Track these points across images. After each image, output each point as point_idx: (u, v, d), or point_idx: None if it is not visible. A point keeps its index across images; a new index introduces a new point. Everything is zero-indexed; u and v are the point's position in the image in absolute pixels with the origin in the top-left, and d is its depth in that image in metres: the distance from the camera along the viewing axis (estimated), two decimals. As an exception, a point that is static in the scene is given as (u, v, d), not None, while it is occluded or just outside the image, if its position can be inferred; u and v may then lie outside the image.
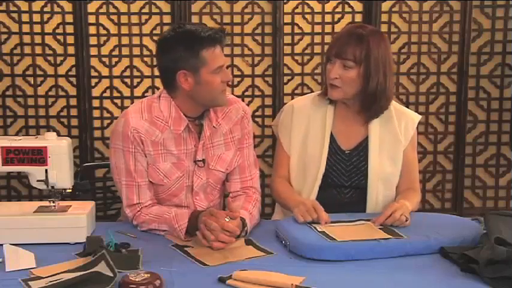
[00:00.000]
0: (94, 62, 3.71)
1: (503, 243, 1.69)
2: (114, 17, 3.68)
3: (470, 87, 3.82)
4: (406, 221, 2.00)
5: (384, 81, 2.21)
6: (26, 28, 3.65)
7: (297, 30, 3.75)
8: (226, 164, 2.20)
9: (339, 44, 2.22)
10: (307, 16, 3.74)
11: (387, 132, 2.30)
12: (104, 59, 3.71)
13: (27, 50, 3.68)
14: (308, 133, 2.31)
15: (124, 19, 3.68)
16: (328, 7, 3.74)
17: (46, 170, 1.96)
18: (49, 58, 3.69)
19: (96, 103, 3.75)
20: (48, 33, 3.67)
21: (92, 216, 2.04)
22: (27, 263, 1.75)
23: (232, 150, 2.21)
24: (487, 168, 3.91)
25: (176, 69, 2.04)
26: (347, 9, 3.74)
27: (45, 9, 3.65)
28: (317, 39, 3.76)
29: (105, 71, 3.72)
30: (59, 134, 2.13)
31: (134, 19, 3.69)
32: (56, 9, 3.65)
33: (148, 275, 1.59)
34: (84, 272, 1.63)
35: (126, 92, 3.74)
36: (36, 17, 3.65)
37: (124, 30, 3.69)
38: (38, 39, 3.67)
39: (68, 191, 2.02)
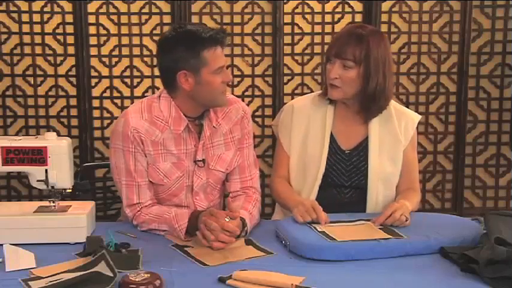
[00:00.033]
0: (94, 62, 3.71)
1: (503, 243, 1.69)
2: (114, 17, 3.68)
3: (470, 87, 3.82)
4: (406, 221, 2.00)
5: (383, 81, 2.21)
6: (26, 28, 3.66)
7: (297, 30, 3.75)
8: (226, 164, 2.20)
9: (338, 44, 2.22)
10: (307, 16, 3.74)
11: (387, 132, 2.30)
12: (104, 59, 3.71)
13: (27, 50, 3.68)
14: (308, 133, 2.31)
15: (124, 19, 3.69)
16: (328, 7, 3.74)
17: (46, 170, 1.96)
18: (49, 58, 3.69)
19: (96, 103, 3.75)
20: (48, 33, 3.67)
21: (92, 216, 2.04)
22: (27, 263, 1.75)
23: (232, 150, 2.21)
24: (487, 168, 3.91)
25: (177, 70, 2.04)
26: (347, 9, 3.74)
27: (45, 9, 3.65)
28: (317, 39, 3.76)
29: (105, 71, 3.72)
30: (59, 134, 2.13)
31: (134, 19, 3.69)
32: (56, 9, 3.65)
33: (148, 275, 1.59)
34: (84, 272, 1.63)
35: (126, 92, 3.74)
36: (36, 17, 3.66)
37: (124, 30, 3.69)
38: (38, 39, 3.67)
39: (68, 191, 2.02)
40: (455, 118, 3.85)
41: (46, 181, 1.97)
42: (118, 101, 3.75)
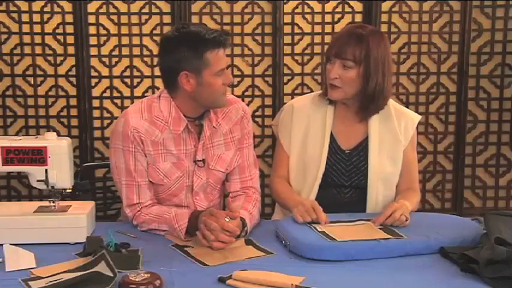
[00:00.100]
0: (94, 62, 3.71)
1: (503, 243, 1.69)
2: (114, 17, 3.68)
3: (470, 87, 3.82)
4: (406, 220, 2.00)
5: (383, 81, 2.21)
6: (26, 28, 3.66)
7: (297, 30, 3.75)
8: (226, 164, 2.20)
9: (338, 44, 2.22)
10: (307, 16, 3.74)
11: (387, 130, 2.30)
12: (104, 59, 3.71)
13: (27, 50, 3.68)
14: (308, 133, 2.31)
15: (124, 19, 3.69)
16: (328, 7, 3.74)
17: (46, 170, 1.96)
18: (49, 58, 3.69)
19: (96, 103, 3.75)
20: (48, 33, 3.67)
21: (92, 216, 2.04)
22: (27, 263, 1.75)
23: (232, 150, 2.21)
24: (487, 168, 3.91)
25: (179, 70, 2.03)
26: (347, 9, 3.74)
27: (45, 9, 3.65)
28: (317, 39, 3.76)
29: (105, 71, 3.72)
30: (59, 134, 2.13)
31: (134, 19, 3.69)
32: (56, 9, 3.65)
33: (148, 275, 1.59)
34: (84, 272, 1.63)
35: (126, 92, 3.74)
36: (36, 17, 3.66)
37: (124, 30, 3.69)
38: (38, 39, 3.67)
39: (68, 191, 2.02)
40: (455, 118, 3.85)
41: (46, 181, 1.97)
42: (118, 101, 3.75)
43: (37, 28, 3.66)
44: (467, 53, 3.76)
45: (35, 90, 3.71)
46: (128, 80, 3.73)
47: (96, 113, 3.76)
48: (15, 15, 3.64)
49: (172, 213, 2.02)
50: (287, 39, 3.74)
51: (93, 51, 3.69)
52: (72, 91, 3.72)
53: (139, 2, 3.68)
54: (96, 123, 3.77)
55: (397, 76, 3.77)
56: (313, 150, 2.29)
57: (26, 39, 3.66)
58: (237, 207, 2.04)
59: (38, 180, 1.98)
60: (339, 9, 3.74)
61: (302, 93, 3.60)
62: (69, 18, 3.66)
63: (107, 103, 3.75)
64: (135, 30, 3.70)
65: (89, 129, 3.75)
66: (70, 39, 3.67)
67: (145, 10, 3.69)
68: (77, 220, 1.95)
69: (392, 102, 2.33)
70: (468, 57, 3.77)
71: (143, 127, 2.08)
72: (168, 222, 2.01)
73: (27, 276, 1.67)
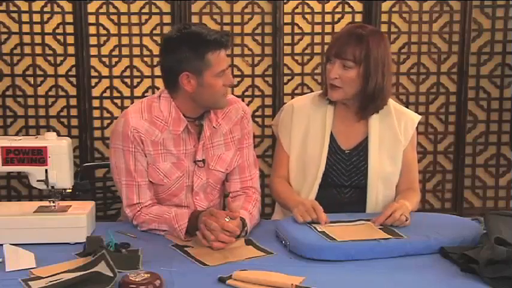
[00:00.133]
0: (94, 62, 3.71)
1: (503, 243, 1.69)
2: (114, 17, 3.68)
3: (470, 87, 3.82)
4: (406, 220, 2.00)
5: (382, 81, 2.21)
6: (26, 28, 3.66)
7: (297, 30, 3.75)
8: (226, 164, 2.20)
9: (338, 44, 2.22)
10: (307, 16, 3.74)
11: (387, 129, 2.30)
12: (104, 59, 3.71)
13: (27, 50, 3.68)
14: (308, 133, 2.31)
15: (124, 19, 3.69)
16: (328, 7, 3.74)
17: (46, 170, 1.96)
18: (49, 58, 3.69)
19: (96, 103, 3.75)
20: (48, 33, 3.67)
21: (92, 216, 2.04)
22: (27, 263, 1.75)
23: (232, 150, 2.21)
24: (487, 168, 3.91)
25: (180, 71, 2.03)
26: (347, 9, 3.74)
27: (45, 9, 3.65)
28: (317, 39, 3.76)
29: (105, 71, 3.72)
30: (59, 134, 2.13)
31: (134, 19, 3.69)
32: (56, 9, 3.65)
33: (148, 275, 1.59)
34: (84, 272, 1.63)
35: (126, 92, 3.74)
36: (36, 17, 3.66)
37: (124, 30, 3.69)
38: (38, 39, 3.67)
39: (68, 191, 2.02)
40: (455, 118, 3.85)
41: (46, 181, 1.97)
42: (118, 101, 3.75)
43: (37, 28, 3.66)
44: (467, 53, 3.76)
45: (35, 90, 3.71)
46: (128, 80, 3.73)
47: (96, 113, 3.76)
48: (15, 15, 3.64)
49: (172, 213, 2.02)
50: (287, 39, 3.74)
51: (93, 51, 3.69)
52: (72, 91, 3.72)
53: (139, 2, 3.68)
54: (96, 123, 3.77)
55: (397, 76, 3.77)
56: (313, 150, 2.29)
57: (26, 39, 3.66)
58: (237, 207, 2.04)
59: (38, 180, 1.98)
60: (339, 9, 3.74)
61: (302, 93, 3.60)
62: (69, 18, 3.66)
63: (107, 103, 3.75)
64: (135, 30, 3.70)
65: (89, 129, 3.74)
66: (70, 39, 3.67)
67: (145, 10, 3.69)
68: (77, 220, 1.95)
69: (392, 102, 2.33)
70: (468, 57, 3.77)
71: (143, 127, 2.08)
72: (168, 222, 2.01)
73: (27, 276, 1.67)
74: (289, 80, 3.78)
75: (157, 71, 3.60)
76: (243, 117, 2.22)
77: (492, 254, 1.66)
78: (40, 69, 3.69)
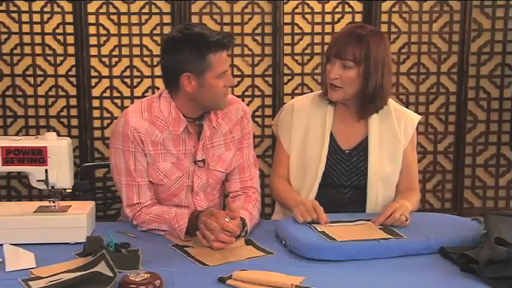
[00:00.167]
0: (94, 62, 3.71)
1: (503, 243, 1.69)
2: (114, 17, 3.68)
3: (470, 87, 3.82)
4: (406, 220, 2.00)
5: (382, 81, 2.21)
6: (26, 28, 3.66)
7: (297, 30, 3.75)
8: (226, 164, 2.20)
9: (338, 44, 2.22)
10: (307, 16, 3.74)
11: (387, 129, 2.30)
12: (104, 59, 3.71)
13: (27, 50, 3.68)
14: (308, 132, 2.31)
15: (124, 19, 3.68)
16: (328, 7, 3.74)
17: (46, 170, 1.96)
18: (49, 58, 3.69)
19: (96, 103, 3.75)
20: (48, 33, 3.67)
21: (92, 216, 2.04)
22: (27, 263, 1.75)
23: (232, 151, 2.21)
24: (487, 168, 3.91)
25: (181, 71, 2.03)
26: (347, 9, 3.74)
27: (45, 9, 3.65)
28: (317, 39, 3.76)
29: (105, 71, 3.72)
30: (59, 134, 2.13)
31: (134, 19, 3.69)
32: (56, 9, 3.65)
33: (148, 275, 1.59)
34: (84, 272, 1.63)
35: (126, 92, 3.74)
36: (36, 17, 3.66)
37: (124, 30, 3.69)
38: (38, 39, 3.67)
39: (68, 191, 2.02)
40: (455, 118, 3.85)
41: (46, 181, 1.97)
42: (118, 101, 3.75)
43: (37, 28, 3.66)
44: (467, 53, 3.76)
45: (35, 90, 3.71)
46: (128, 80, 3.73)
47: (96, 113, 3.76)
48: (15, 15, 3.64)
49: (172, 213, 2.02)
50: (287, 39, 3.74)
51: (93, 51, 3.69)
52: (72, 91, 3.72)
53: (139, 2, 3.68)
54: (96, 123, 3.77)
55: (397, 76, 3.77)
56: (313, 150, 2.30)
57: (26, 39, 3.66)
58: (237, 207, 2.04)
59: (38, 180, 1.98)
60: (339, 9, 3.74)
61: (302, 93, 3.59)
62: (69, 18, 3.66)
63: (107, 103, 3.75)
64: (135, 30, 3.70)
65: (89, 129, 3.74)
66: (70, 39, 3.67)
67: (145, 10, 3.69)
68: (77, 220, 1.95)
69: (392, 102, 2.33)
70: (468, 57, 3.77)
71: (143, 127, 2.08)
72: (168, 222, 2.01)
73: (27, 276, 1.67)
74: (289, 80, 3.78)
75: (158, 71, 3.60)
76: (243, 117, 2.22)
77: (492, 254, 1.66)
78: (40, 69, 3.69)
